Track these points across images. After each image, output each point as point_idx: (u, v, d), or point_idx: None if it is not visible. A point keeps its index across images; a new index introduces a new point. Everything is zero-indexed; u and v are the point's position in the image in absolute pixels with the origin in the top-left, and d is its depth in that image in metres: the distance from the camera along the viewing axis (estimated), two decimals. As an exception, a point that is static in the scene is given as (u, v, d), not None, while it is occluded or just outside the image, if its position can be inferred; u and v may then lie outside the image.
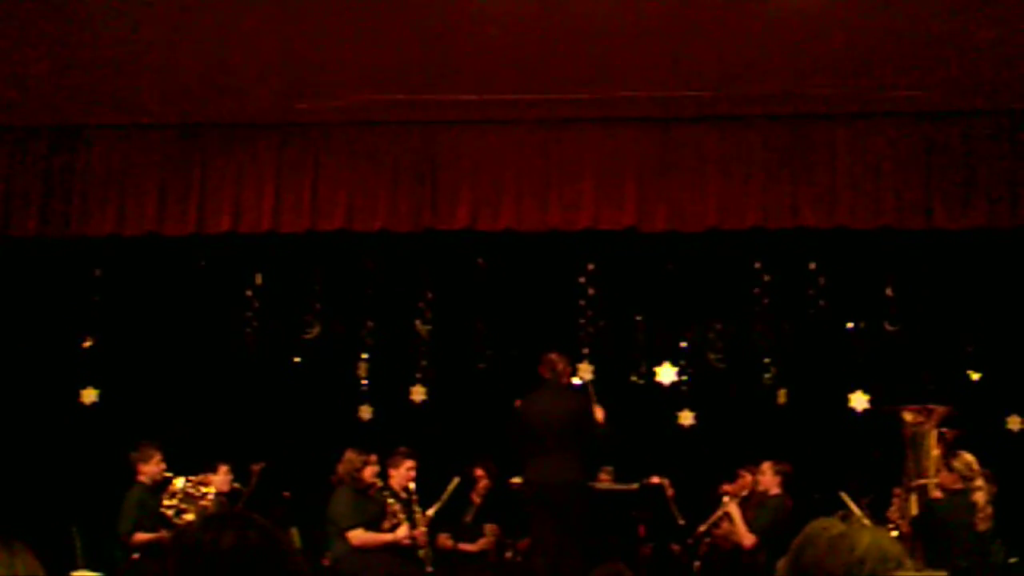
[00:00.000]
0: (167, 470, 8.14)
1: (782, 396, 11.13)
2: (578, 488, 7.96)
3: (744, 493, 9.09)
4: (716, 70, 7.62)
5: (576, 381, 8.84)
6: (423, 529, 8.36)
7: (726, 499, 9.06)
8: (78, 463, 9.92)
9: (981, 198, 7.94)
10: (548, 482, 7.85)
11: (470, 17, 6.86)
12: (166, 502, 8.00)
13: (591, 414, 8.09)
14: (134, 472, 8.16)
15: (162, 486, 8.08)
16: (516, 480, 8.38)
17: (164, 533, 7.89)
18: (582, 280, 10.65)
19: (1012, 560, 8.14)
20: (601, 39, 7.12)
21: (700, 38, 7.12)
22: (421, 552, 8.34)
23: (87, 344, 10.72)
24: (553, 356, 8.26)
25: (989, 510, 6.80)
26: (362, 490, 8.28)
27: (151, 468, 8.14)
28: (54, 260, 9.57)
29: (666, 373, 11.43)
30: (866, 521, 7.14)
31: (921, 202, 7.99)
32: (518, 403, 8.18)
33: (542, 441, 7.90)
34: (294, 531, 8.77)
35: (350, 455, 8.36)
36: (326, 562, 8.19)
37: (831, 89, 7.76)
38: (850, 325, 11.05)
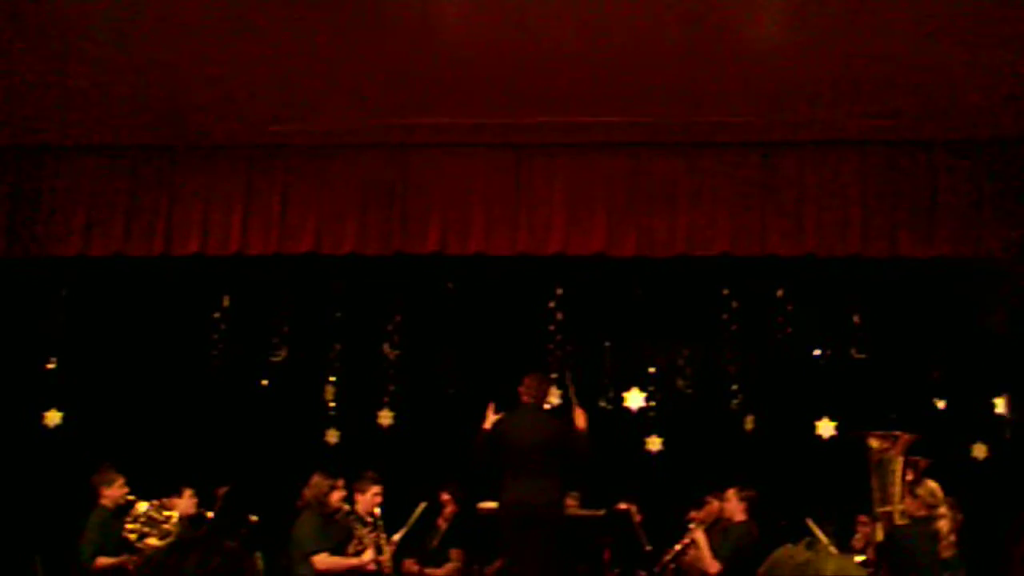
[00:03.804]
0: (130, 493, 8.06)
1: (749, 422, 11.16)
2: (557, 511, 7.97)
3: (711, 520, 9.09)
4: (685, 97, 7.66)
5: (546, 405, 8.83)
6: (388, 554, 8.32)
7: (692, 526, 9.06)
8: (41, 486, 9.81)
9: (946, 226, 8.00)
10: (528, 505, 7.84)
11: (441, 41, 6.87)
12: (128, 526, 7.93)
13: (572, 436, 8.09)
14: (97, 495, 8.08)
15: (125, 510, 8.01)
16: (484, 505, 8.35)
17: (126, 558, 7.81)
18: (551, 305, 10.66)
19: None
20: (572, 65, 7.15)
21: (670, 66, 7.16)
22: (386, 577, 8.30)
23: (51, 365, 10.62)
24: (534, 378, 8.27)
25: (953, 538, 6.82)
26: (328, 515, 8.23)
27: (114, 492, 8.07)
28: (19, 280, 9.48)
29: (634, 399, 11.44)
30: (832, 548, 7.15)
31: (887, 230, 8.05)
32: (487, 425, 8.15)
33: (522, 464, 7.90)
34: (259, 556, 8.70)
35: (317, 479, 8.32)
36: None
37: (799, 117, 7.82)
38: (817, 352, 11.10)
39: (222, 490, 9.18)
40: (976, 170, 8.04)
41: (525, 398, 8.24)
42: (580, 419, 8.19)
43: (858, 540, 8.80)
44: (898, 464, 6.95)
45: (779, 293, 10.49)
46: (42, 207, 8.59)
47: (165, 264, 8.77)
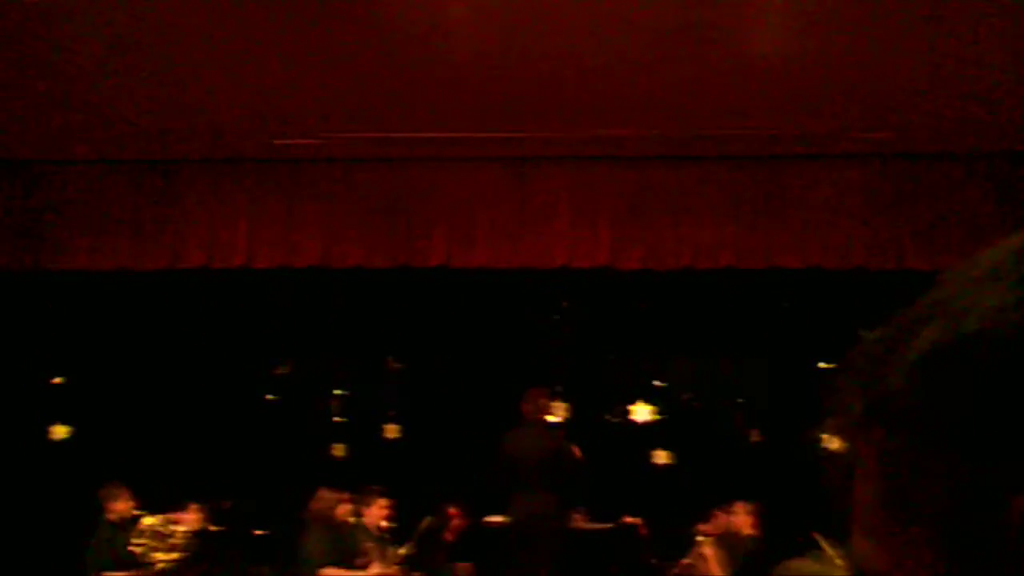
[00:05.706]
0: (136, 508, 8.05)
1: (755, 435, 11.13)
2: (561, 525, 7.97)
3: (718, 533, 9.05)
4: (691, 110, 7.67)
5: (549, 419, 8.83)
6: (395, 568, 8.30)
7: (700, 539, 9.02)
8: (47, 501, 9.79)
9: (951, 239, 7.99)
10: (534, 518, 7.84)
11: (446, 55, 6.88)
12: (135, 540, 7.90)
13: (570, 452, 8.11)
14: (103, 510, 8.07)
15: (131, 524, 7.99)
16: (490, 519, 8.34)
17: (132, 572, 7.79)
18: (556, 318, 10.65)
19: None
20: (577, 78, 7.15)
21: (675, 79, 7.16)
22: (392, 591, 8.27)
23: (58, 380, 10.62)
24: (536, 393, 8.27)
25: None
26: (334, 528, 8.22)
27: (120, 506, 8.05)
28: (26, 294, 9.49)
29: (640, 412, 11.42)
30: (839, 561, 7.11)
31: (892, 243, 8.05)
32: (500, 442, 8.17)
33: (526, 478, 7.89)
34: (265, 570, 8.68)
35: (323, 493, 8.30)
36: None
37: (804, 130, 7.83)
38: (823, 365, 11.07)
39: (228, 504, 9.16)
40: (982, 182, 8.03)
41: (527, 413, 8.22)
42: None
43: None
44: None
45: (784, 306, 10.47)
46: (48, 221, 8.61)
47: (171, 278, 8.78)
